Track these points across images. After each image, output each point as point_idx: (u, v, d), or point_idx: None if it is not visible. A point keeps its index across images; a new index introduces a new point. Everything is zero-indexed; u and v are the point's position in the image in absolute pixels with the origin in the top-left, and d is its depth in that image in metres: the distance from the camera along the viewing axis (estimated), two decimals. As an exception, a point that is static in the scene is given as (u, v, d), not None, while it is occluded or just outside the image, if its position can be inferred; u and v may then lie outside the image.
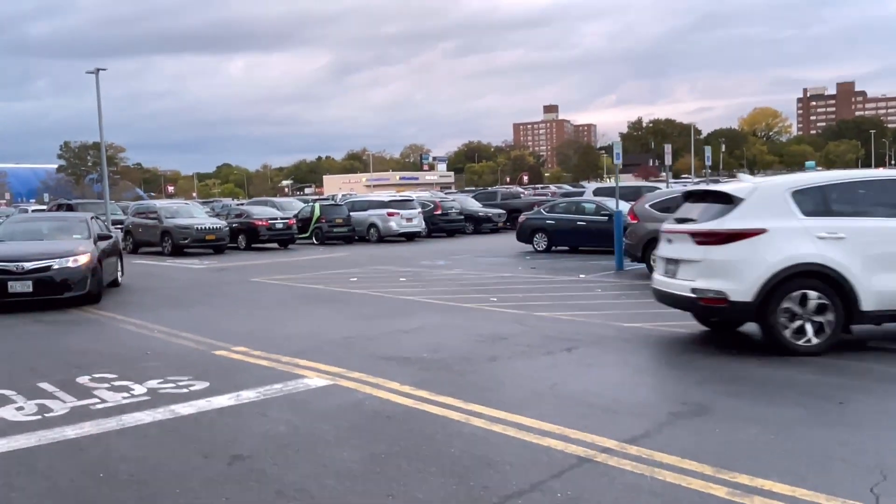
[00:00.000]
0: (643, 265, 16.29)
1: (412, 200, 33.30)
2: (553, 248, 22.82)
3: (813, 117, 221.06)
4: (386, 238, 30.24)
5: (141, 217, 28.65)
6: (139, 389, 7.15)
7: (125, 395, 6.96)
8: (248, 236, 28.73)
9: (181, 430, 5.81)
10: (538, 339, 9.64)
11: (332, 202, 33.51)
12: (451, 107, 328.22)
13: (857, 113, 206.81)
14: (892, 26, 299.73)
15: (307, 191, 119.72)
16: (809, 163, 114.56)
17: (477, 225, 33.67)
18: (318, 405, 6.55)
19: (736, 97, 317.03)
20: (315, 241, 30.66)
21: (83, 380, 7.70)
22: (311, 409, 6.41)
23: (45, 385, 7.50)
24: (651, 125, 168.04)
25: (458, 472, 4.58)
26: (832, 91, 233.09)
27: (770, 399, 6.44)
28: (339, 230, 30.66)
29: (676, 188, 17.46)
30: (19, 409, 6.56)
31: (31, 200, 77.47)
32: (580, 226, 22.18)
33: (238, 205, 34.35)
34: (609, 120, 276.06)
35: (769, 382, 7.09)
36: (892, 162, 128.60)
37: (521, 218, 24.19)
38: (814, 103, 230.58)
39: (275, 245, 29.28)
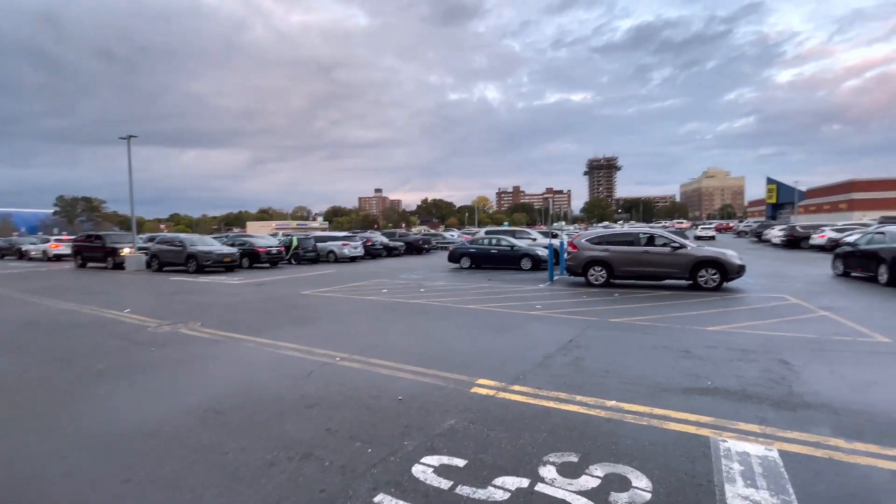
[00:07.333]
0: (572, 276, 13.60)
1: (356, 236, 27.62)
2: (472, 266, 19.28)
3: (503, 203, 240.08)
4: (339, 260, 24.55)
5: (166, 244, 20.18)
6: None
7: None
8: (250, 258, 21.46)
9: None
10: (673, 343, 6.19)
11: (305, 236, 26.63)
12: (322, 186, 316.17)
13: (522, 201, 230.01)
14: (533, 162, 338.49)
15: (235, 230, 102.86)
16: (505, 223, 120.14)
17: (389, 252, 29.19)
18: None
19: (467, 190, 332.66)
20: (293, 262, 23.71)
21: (424, 469, 2.80)
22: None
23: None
24: (432, 202, 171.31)
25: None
26: (510, 190, 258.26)
27: None
28: (310, 254, 24.24)
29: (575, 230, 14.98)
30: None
31: (38, 234, 56.46)
32: (492, 253, 18.83)
33: (242, 237, 26.04)
34: (407, 198, 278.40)
35: None
36: (540, 222, 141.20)
37: (451, 247, 20.08)
38: (503, 195, 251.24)
39: (267, 265, 22.13)
